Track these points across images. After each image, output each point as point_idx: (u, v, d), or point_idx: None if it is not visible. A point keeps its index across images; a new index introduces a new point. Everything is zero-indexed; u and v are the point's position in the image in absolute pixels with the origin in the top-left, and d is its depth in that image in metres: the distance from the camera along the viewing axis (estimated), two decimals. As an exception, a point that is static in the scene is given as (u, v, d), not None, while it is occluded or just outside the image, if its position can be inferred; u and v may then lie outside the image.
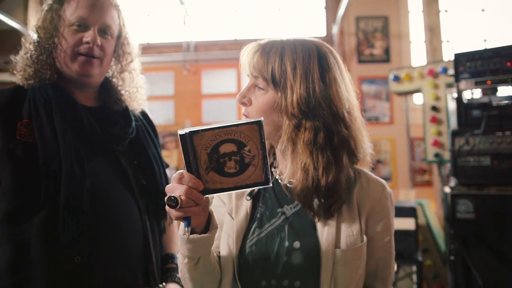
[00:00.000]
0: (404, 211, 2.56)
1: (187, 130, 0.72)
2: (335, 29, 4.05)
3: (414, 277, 2.49)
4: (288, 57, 0.88)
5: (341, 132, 0.87)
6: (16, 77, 1.16)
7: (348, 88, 0.92)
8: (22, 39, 1.22)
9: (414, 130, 3.68)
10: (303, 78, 0.86)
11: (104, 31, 1.17)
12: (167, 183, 1.24)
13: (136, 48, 1.31)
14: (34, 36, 1.19)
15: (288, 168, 0.90)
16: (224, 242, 0.96)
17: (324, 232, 0.87)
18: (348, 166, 0.90)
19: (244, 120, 0.74)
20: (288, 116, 0.88)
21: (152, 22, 4.53)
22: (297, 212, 0.92)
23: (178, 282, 1.22)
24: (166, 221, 1.27)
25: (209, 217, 0.83)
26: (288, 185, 0.92)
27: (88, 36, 1.13)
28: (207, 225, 0.83)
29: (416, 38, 4.24)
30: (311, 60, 0.88)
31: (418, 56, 4.22)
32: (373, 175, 0.95)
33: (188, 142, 0.72)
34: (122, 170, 1.19)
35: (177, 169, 4.19)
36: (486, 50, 2.23)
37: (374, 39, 4.17)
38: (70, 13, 1.14)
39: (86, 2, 1.15)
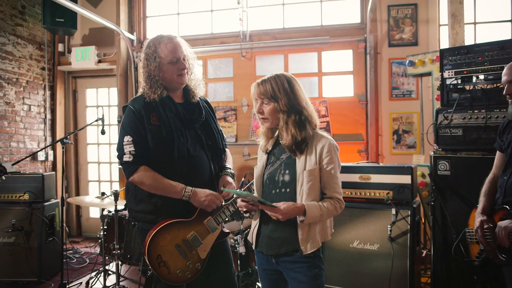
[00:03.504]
0: (403, 170, 3.33)
1: None
2: (368, 17, 4.72)
3: (409, 219, 3.29)
4: (272, 84, 1.86)
5: (302, 115, 1.85)
6: (143, 91, 2.14)
7: (303, 95, 1.86)
8: (140, 67, 2.20)
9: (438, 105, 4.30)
10: (283, 93, 1.83)
11: (183, 59, 2.14)
12: (222, 143, 2.26)
13: (193, 57, 2.25)
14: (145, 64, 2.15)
15: (284, 136, 1.88)
16: (256, 174, 1.97)
17: (299, 164, 1.84)
18: (309, 130, 1.85)
19: None
20: (281, 112, 1.85)
21: (215, 17, 5.48)
22: (288, 156, 1.90)
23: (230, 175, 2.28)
24: (221, 163, 2.29)
25: None
26: (283, 143, 1.90)
27: (181, 66, 2.11)
28: None
29: (444, 23, 4.75)
30: (284, 83, 1.85)
31: (445, 40, 4.74)
32: (323, 134, 1.88)
33: None
34: (199, 137, 2.19)
35: (236, 137, 5.22)
36: (463, 47, 2.91)
37: (404, 25, 4.77)
38: (166, 56, 2.08)
39: (172, 48, 2.09)
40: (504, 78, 2.17)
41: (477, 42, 4.72)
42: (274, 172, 1.93)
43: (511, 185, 2.07)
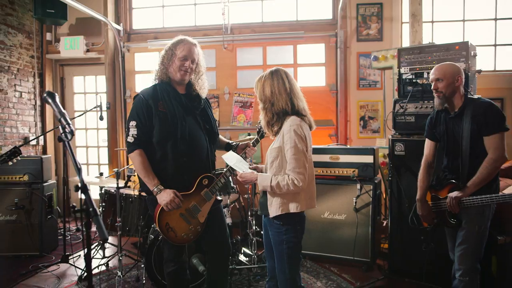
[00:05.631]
0: (366, 151, 3.91)
1: None
2: (339, 14, 5.22)
3: (371, 193, 3.87)
4: (261, 85, 2.34)
5: (281, 106, 2.29)
6: (157, 73, 2.58)
7: (293, 88, 2.31)
8: (160, 55, 2.62)
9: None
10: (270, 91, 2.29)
11: (192, 61, 2.59)
12: (217, 128, 2.71)
13: (204, 66, 2.70)
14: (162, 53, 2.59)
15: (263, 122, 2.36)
16: None
17: (273, 144, 2.33)
18: (284, 117, 2.30)
19: None
20: (264, 108, 2.32)
21: (198, 10, 5.85)
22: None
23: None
24: (215, 146, 2.75)
25: None
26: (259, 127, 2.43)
27: (187, 64, 2.55)
28: None
29: (406, 21, 5.31)
30: (277, 80, 2.29)
31: (406, 36, 5.31)
32: (291, 120, 2.27)
33: None
34: (198, 122, 2.64)
35: (219, 123, 5.66)
36: (416, 47, 3.46)
37: (371, 22, 5.30)
38: (179, 53, 2.53)
39: (187, 48, 2.54)
40: (431, 76, 2.66)
41: (434, 39, 5.32)
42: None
43: (452, 166, 2.63)
